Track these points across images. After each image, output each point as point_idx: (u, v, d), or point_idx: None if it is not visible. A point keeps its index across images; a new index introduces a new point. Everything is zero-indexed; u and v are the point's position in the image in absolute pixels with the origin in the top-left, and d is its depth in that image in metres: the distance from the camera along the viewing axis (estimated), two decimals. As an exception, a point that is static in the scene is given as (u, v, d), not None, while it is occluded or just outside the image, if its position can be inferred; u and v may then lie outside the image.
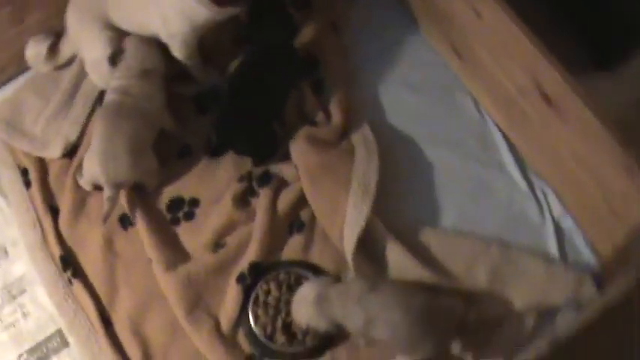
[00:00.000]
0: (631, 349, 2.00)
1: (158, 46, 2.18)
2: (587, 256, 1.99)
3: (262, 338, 1.98)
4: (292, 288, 2.00)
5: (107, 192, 2.08)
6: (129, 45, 2.16)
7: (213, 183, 2.18)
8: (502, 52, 1.94)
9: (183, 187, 2.18)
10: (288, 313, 1.98)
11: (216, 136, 2.15)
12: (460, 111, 2.20)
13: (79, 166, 2.20)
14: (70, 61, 2.32)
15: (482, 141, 2.15)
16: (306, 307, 1.88)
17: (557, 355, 1.55)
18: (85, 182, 2.17)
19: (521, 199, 2.08)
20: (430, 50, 2.26)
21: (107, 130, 2.09)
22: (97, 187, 2.16)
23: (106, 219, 2.12)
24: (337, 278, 1.97)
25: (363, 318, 1.83)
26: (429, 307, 1.85)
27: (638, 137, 1.76)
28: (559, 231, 2.03)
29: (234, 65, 2.23)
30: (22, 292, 2.14)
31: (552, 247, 2.02)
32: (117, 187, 2.09)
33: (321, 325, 1.88)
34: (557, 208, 2.05)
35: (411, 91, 2.24)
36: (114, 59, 2.14)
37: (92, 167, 2.12)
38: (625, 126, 1.75)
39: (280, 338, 1.97)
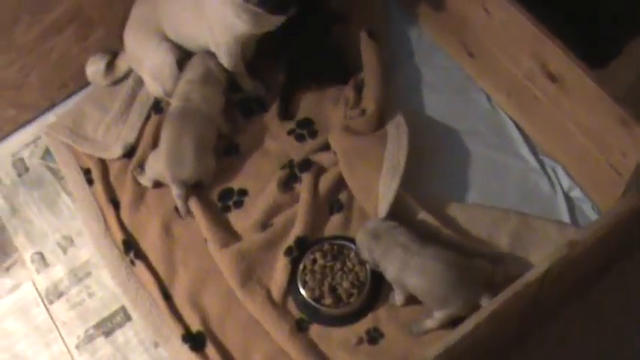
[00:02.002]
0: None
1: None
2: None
3: (310, 301, 2.18)
4: (336, 257, 2.23)
5: (175, 190, 2.33)
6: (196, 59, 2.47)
7: (259, 174, 2.43)
8: (509, 41, 2.23)
9: (232, 179, 2.43)
10: (334, 278, 2.20)
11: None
12: (475, 106, 2.48)
13: (138, 165, 2.44)
14: (125, 76, 2.59)
15: (496, 130, 2.43)
16: (361, 234, 2.11)
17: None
18: (146, 179, 2.41)
19: (534, 177, 2.34)
20: (445, 56, 2.56)
21: (174, 133, 2.36)
22: (156, 185, 2.40)
23: (184, 214, 2.36)
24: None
25: (400, 261, 2.05)
26: (464, 264, 2.07)
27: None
28: (569, 201, 2.29)
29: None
30: (88, 274, 2.36)
31: (564, 216, 2.26)
32: (182, 184, 2.33)
33: (365, 255, 2.11)
34: (566, 182, 2.31)
35: (431, 92, 2.52)
36: (180, 63, 2.44)
37: (157, 167, 2.37)
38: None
39: (327, 300, 2.18)
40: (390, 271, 2.09)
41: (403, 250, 2.06)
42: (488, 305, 1.70)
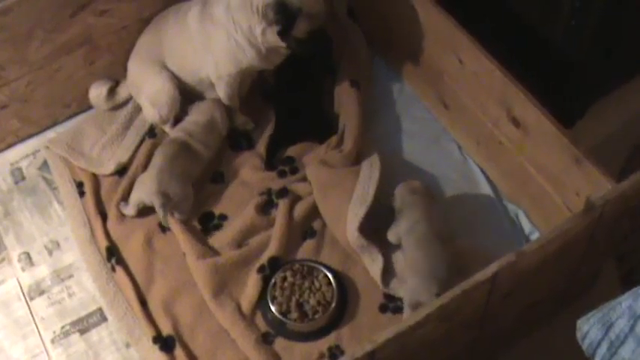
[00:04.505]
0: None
1: (225, 110, 2.68)
2: (552, 262, 2.39)
3: (278, 314, 2.30)
4: (305, 276, 2.36)
5: (158, 200, 2.46)
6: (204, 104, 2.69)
7: (240, 203, 2.57)
8: (479, 89, 2.42)
9: (214, 205, 2.58)
10: (302, 295, 2.33)
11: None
12: (447, 155, 2.66)
13: (124, 196, 2.57)
14: (125, 103, 2.77)
15: (465, 177, 2.60)
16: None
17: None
18: (131, 206, 2.53)
19: (498, 220, 2.50)
20: (423, 108, 2.76)
21: (170, 154, 2.55)
22: (139, 214, 2.53)
23: (165, 223, 2.50)
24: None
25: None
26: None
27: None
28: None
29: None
30: (70, 276, 2.48)
31: (524, 256, 2.42)
32: (164, 197, 2.47)
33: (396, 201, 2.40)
34: (527, 226, 2.48)
35: (407, 139, 2.71)
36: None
37: (141, 190, 2.51)
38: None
39: (294, 314, 2.30)
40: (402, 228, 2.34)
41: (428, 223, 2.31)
42: (437, 299, 1.81)
